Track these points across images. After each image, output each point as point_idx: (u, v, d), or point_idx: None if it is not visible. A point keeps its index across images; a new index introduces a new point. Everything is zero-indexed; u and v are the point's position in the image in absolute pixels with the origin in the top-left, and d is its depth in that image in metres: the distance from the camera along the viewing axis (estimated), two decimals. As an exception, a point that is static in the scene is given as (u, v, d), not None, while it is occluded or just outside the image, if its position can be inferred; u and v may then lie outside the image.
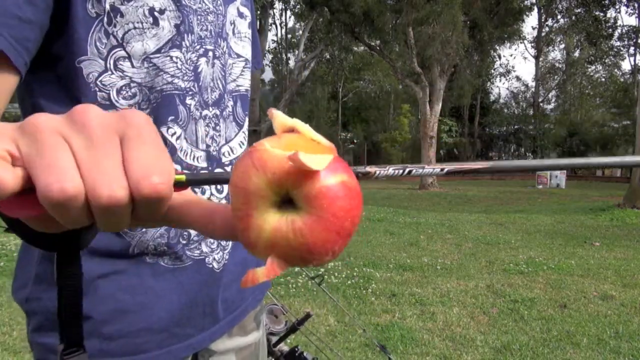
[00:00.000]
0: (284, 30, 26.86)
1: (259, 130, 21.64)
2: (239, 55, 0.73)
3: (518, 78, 43.85)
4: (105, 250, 0.60)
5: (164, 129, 0.62)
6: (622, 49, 23.13)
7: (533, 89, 26.77)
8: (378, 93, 25.20)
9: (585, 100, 25.20)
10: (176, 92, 0.62)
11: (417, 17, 14.04)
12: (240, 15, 0.73)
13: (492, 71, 26.11)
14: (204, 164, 0.67)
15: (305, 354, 1.14)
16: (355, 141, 25.05)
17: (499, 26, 17.27)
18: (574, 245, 5.56)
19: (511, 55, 58.64)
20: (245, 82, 0.75)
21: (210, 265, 0.69)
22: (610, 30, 22.16)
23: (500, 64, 28.09)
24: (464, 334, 2.86)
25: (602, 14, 21.19)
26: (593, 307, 3.37)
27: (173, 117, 0.62)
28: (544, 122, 24.87)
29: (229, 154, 0.71)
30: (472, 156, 25.51)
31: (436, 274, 4.21)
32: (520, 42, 25.60)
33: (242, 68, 0.74)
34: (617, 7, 20.89)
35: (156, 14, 0.59)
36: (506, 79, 45.12)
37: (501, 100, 28.97)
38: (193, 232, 0.67)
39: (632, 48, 22.77)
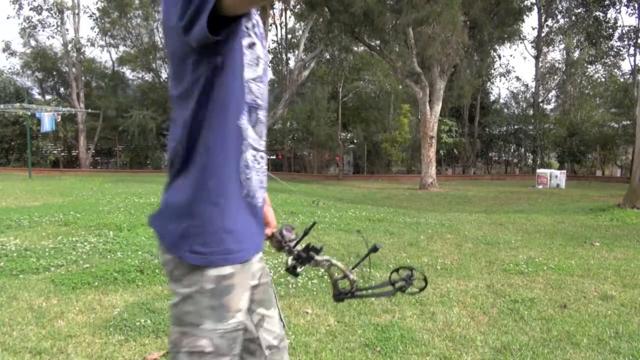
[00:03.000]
0: (284, 30, 26.87)
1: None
2: (267, 84, 1.19)
3: (518, 78, 43.89)
4: None
5: (242, 116, 1.09)
6: (622, 49, 23.11)
7: (533, 89, 26.74)
8: (378, 93, 25.16)
9: (585, 100, 25.14)
10: (254, 105, 1.12)
11: (417, 17, 14.03)
12: (266, 54, 1.18)
13: (492, 71, 26.07)
14: (262, 149, 1.17)
15: (315, 245, 1.54)
16: (355, 141, 25.01)
17: (499, 26, 17.23)
18: (574, 245, 5.55)
19: (511, 56, 58.69)
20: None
21: (260, 205, 1.20)
22: (611, 30, 22.13)
23: (500, 64, 28.08)
24: (464, 334, 2.86)
25: (602, 14, 21.17)
26: (593, 307, 3.36)
27: (246, 116, 1.10)
28: (544, 122, 24.81)
29: (263, 146, 1.19)
30: (472, 156, 25.46)
31: (436, 274, 4.21)
32: (520, 42, 25.58)
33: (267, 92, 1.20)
34: (617, 7, 20.88)
35: (260, 60, 1.12)
36: (506, 79, 45.21)
37: (501, 100, 28.93)
38: (265, 182, 1.22)
39: (632, 48, 22.73)
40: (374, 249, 1.89)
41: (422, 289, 2.05)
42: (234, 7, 0.93)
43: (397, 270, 1.92)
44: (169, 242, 1.07)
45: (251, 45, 1.09)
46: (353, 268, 1.95)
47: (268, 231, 1.41)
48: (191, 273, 1.05)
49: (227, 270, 1.06)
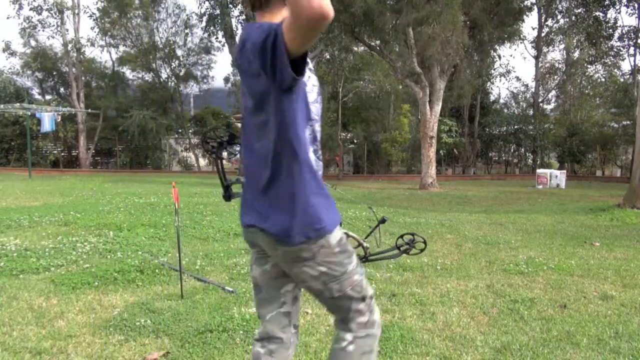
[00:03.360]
0: (284, 30, 26.81)
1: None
2: (320, 104, 1.55)
3: (518, 78, 43.82)
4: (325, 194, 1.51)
5: (312, 129, 1.49)
6: (622, 49, 23.06)
7: (533, 89, 26.71)
8: (378, 93, 25.13)
9: (585, 100, 25.10)
10: (315, 120, 1.50)
11: (417, 17, 14.01)
12: (317, 81, 1.56)
13: (492, 71, 26.03)
14: (319, 146, 1.55)
15: None
16: (355, 141, 24.99)
17: (499, 26, 17.20)
18: (574, 245, 5.55)
19: (511, 56, 58.62)
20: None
21: None
22: (611, 30, 22.09)
23: (500, 64, 28.05)
24: (464, 334, 2.86)
25: (602, 14, 21.13)
26: (593, 307, 3.36)
27: (313, 129, 1.49)
28: (544, 122, 24.78)
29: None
30: (472, 156, 25.44)
31: (436, 274, 4.21)
32: (520, 42, 25.55)
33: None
34: (617, 7, 20.84)
35: (314, 87, 1.50)
36: (506, 79, 45.06)
37: (501, 100, 28.89)
38: None
39: (632, 48, 22.68)
40: (383, 221, 2.39)
41: (422, 250, 2.51)
42: (297, 50, 1.24)
43: (402, 236, 2.45)
44: (297, 234, 1.43)
45: (308, 78, 1.47)
46: (366, 237, 2.36)
47: None
48: (321, 249, 1.47)
49: (336, 232, 1.50)
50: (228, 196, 1.93)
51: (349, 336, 1.59)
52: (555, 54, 59.42)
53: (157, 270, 4.12)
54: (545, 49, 26.22)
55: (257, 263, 1.63)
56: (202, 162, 26.76)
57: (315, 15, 1.12)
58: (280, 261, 1.54)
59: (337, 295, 1.54)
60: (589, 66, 25.35)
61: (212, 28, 21.03)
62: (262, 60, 1.30)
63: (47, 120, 18.24)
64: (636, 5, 20.02)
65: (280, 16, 1.44)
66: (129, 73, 27.32)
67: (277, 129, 1.40)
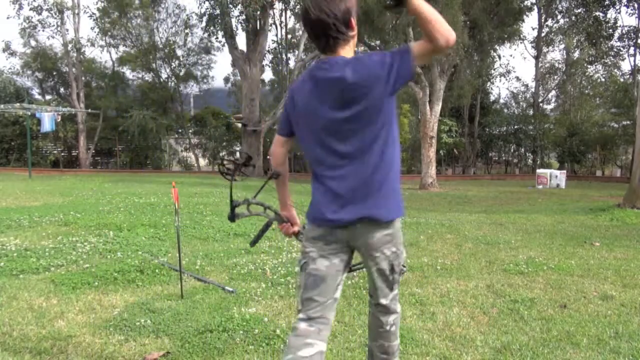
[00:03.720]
0: (284, 30, 26.84)
1: (259, 130, 21.63)
2: None
3: (518, 78, 43.79)
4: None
5: None
6: (622, 49, 23.04)
7: (533, 89, 26.72)
8: (378, 93, 25.17)
9: (585, 100, 25.10)
10: None
11: (417, 17, 13.99)
12: None
13: (492, 71, 26.03)
14: None
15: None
16: (355, 141, 25.01)
17: (499, 26, 17.20)
18: (574, 245, 5.55)
19: (511, 56, 58.57)
20: None
21: None
22: (611, 30, 22.08)
23: (500, 64, 28.04)
24: (464, 334, 2.86)
25: (602, 15, 21.12)
26: (593, 307, 3.36)
27: None
28: (544, 122, 24.79)
29: None
30: (472, 156, 25.44)
31: (436, 274, 4.21)
32: (520, 42, 25.55)
33: None
34: (617, 7, 20.83)
35: None
36: (506, 79, 45.04)
37: (501, 100, 28.90)
38: None
39: (632, 48, 22.66)
40: None
41: None
42: (420, 63, 1.66)
43: None
44: (394, 214, 1.77)
45: None
46: None
47: (295, 228, 1.97)
48: (397, 231, 1.81)
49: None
50: (233, 217, 1.95)
51: (391, 319, 1.98)
52: (555, 54, 59.37)
53: (157, 270, 4.12)
54: (545, 49, 26.23)
55: (325, 258, 1.81)
56: (202, 162, 26.77)
57: (451, 44, 1.57)
58: (371, 246, 1.78)
59: (397, 270, 1.86)
60: (589, 66, 25.35)
61: (212, 28, 21.01)
62: (388, 74, 1.64)
63: (47, 120, 18.24)
64: (636, 5, 20.01)
65: (344, 52, 1.76)
66: (129, 73, 27.35)
67: (380, 128, 1.69)
